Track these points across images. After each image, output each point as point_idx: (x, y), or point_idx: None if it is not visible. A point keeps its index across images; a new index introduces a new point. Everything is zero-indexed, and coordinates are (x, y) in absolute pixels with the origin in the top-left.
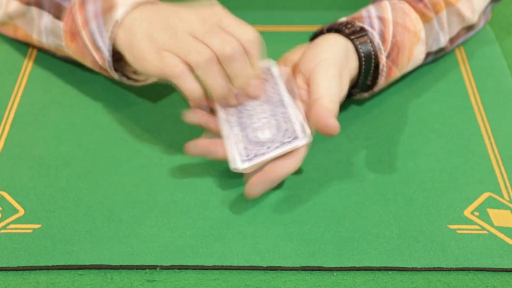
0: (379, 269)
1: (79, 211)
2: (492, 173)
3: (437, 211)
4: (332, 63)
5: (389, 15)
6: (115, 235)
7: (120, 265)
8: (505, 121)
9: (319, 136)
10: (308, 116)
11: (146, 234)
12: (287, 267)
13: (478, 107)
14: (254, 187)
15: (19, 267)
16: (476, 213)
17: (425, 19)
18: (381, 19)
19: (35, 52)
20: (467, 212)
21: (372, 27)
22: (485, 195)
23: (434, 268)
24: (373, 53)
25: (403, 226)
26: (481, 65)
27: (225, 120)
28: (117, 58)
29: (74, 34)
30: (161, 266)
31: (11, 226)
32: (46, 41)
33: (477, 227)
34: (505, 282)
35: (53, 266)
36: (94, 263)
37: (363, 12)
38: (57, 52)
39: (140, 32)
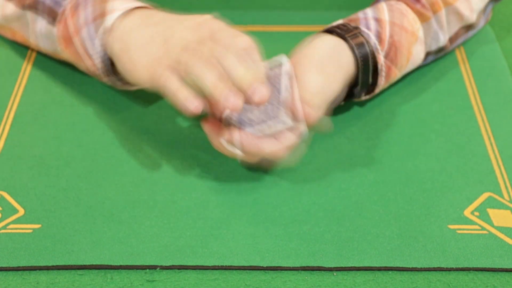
0: (379, 269)
1: (79, 211)
2: (492, 173)
3: (437, 211)
4: (312, 58)
5: (385, 16)
6: (115, 235)
7: (120, 265)
8: (505, 121)
9: (319, 136)
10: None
11: (146, 234)
12: (287, 267)
13: (478, 107)
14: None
15: (19, 267)
16: (476, 213)
17: (422, 18)
18: (378, 20)
19: (35, 52)
20: (467, 212)
21: (368, 28)
22: (485, 195)
23: (434, 268)
24: (369, 52)
25: (403, 226)
26: (481, 65)
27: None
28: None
29: (67, 40)
30: (161, 266)
31: (11, 226)
32: (43, 45)
33: (477, 227)
34: (505, 282)
35: (53, 266)
36: (94, 263)
37: (360, 14)
38: (54, 55)
39: (133, 42)
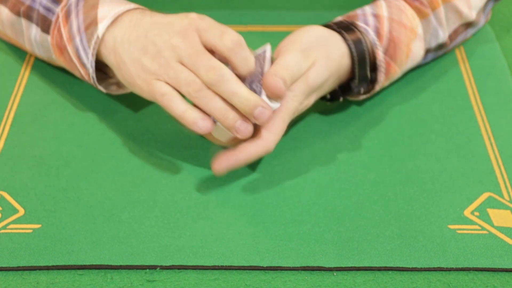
0: (379, 269)
1: (79, 211)
2: (492, 173)
3: (437, 211)
4: (299, 41)
5: (384, 12)
6: (115, 235)
7: (120, 265)
8: (505, 121)
9: (319, 136)
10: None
11: (146, 234)
12: (287, 267)
13: (478, 107)
14: (220, 164)
15: (19, 267)
16: (476, 213)
17: (421, 15)
18: (376, 16)
19: None
20: (467, 212)
21: (366, 23)
22: (485, 195)
23: (434, 268)
24: (368, 48)
25: (403, 226)
26: (481, 64)
27: None
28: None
29: (61, 48)
30: (161, 266)
31: (11, 226)
32: (38, 52)
33: (477, 227)
34: (505, 282)
35: (53, 266)
36: (94, 263)
37: (358, 11)
38: (50, 62)
39: (127, 56)
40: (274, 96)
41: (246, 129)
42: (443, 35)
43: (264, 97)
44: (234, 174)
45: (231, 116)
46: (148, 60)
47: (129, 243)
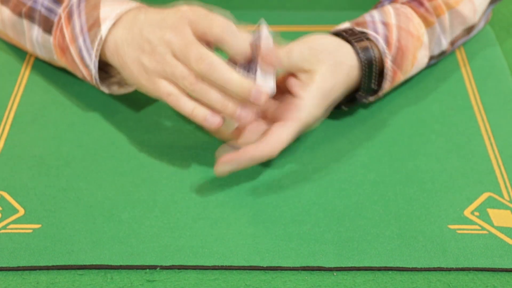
0: (379, 269)
1: (79, 211)
2: (492, 173)
3: (437, 211)
4: (306, 42)
5: (392, 20)
6: (115, 235)
7: (120, 265)
8: (505, 121)
9: (319, 137)
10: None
11: (146, 234)
12: (287, 267)
13: (478, 107)
14: (224, 165)
15: (19, 267)
16: (476, 213)
17: (427, 23)
18: (385, 24)
19: None
20: (467, 212)
21: (376, 32)
22: (485, 195)
23: (434, 268)
24: (375, 57)
25: (403, 226)
26: (481, 65)
27: None
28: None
29: (63, 49)
30: (161, 266)
31: (11, 226)
32: (40, 53)
33: (477, 227)
34: (505, 282)
35: (53, 266)
36: (94, 263)
37: (367, 17)
38: (51, 63)
39: (127, 57)
40: (267, 64)
41: (247, 115)
42: (445, 42)
43: (260, 82)
44: (234, 175)
45: (230, 105)
46: (146, 58)
47: (129, 243)
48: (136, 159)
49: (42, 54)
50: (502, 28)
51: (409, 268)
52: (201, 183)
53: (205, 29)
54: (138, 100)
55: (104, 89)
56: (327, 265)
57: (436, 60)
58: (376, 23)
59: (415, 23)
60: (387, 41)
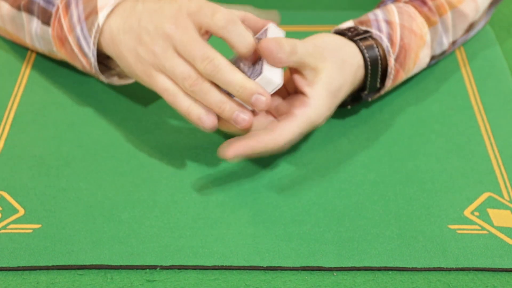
0: (379, 269)
1: (79, 211)
2: (492, 173)
3: (437, 211)
4: (311, 40)
5: (396, 19)
6: (115, 235)
7: (120, 265)
8: (505, 121)
9: (319, 136)
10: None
11: (146, 234)
12: (287, 267)
13: (478, 107)
14: (233, 149)
15: (19, 267)
16: (476, 213)
17: (430, 23)
18: (389, 23)
19: (34, 52)
20: (467, 212)
21: (380, 30)
22: (485, 195)
23: (434, 268)
24: (380, 56)
25: (403, 226)
26: (481, 65)
27: None
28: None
29: (61, 40)
30: (161, 266)
31: (11, 226)
32: (39, 46)
33: (477, 227)
34: (505, 282)
35: (53, 266)
36: (94, 263)
37: (370, 15)
38: (51, 56)
39: (123, 46)
40: (270, 59)
41: (244, 119)
42: (446, 42)
43: (266, 73)
44: (234, 174)
45: (228, 108)
46: (143, 49)
47: (129, 243)
48: (136, 159)
49: (41, 47)
50: (502, 28)
51: (409, 268)
52: (201, 183)
53: (207, 21)
54: (138, 100)
55: (104, 79)
56: (327, 265)
57: (436, 60)
58: (380, 21)
59: (418, 22)
60: (391, 40)
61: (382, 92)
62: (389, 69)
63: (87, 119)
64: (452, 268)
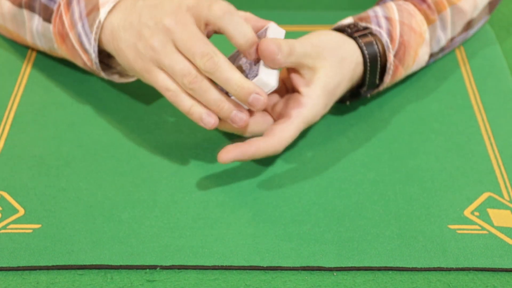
0: (379, 269)
1: (79, 211)
2: (492, 173)
3: (437, 211)
4: (309, 38)
5: (395, 15)
6: (115, 235)
7: (120, 265)
8: (505, 121)
9: (319, 136)
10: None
11: (146, 234)
12: (287, 267)
13: (478, 107)
14: (228, 153)
15: (19, 267)
16: (476, 213)
17: (429, 21)
18: (388, 19)
19: (35, 52)
20: (467, 212)
21: (379, 26)
22: (485, 195)
23: (434, 268)
24: (379, 52)
25: (403, 226)
26: (481, 64)
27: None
28: (108, 54)
29: (63, 36)
30: (161, 266)
31: (11, 226)
32: (39, 44)
33: (477, 227)
34: (505, 282)
35: (53, 266)
36: (94, 263)
37: (370, 12)
38: (51, 53)
39: (123, 42)
40: (268, 60)
41: (241, 119)
42: (444, 39)
43: (262, 76)
44: (234, 174)
45: (225, 107)
46: (143, 44)
47: (129, 243)
48: (136, 159)
49: (42, 44)
50: (502, 27)
51: (409, 268)
52: (201, 183)
53: (205, 14)
54: (138, 100)
55: (104, 76)
56: (327, 265)
57: (435, 58)
58: (379, 18)
59: (418, 20)
60: (390, 36)
61: (381, 88)
62: (388, 65)
63: (87, 119)
64: (452, 268)
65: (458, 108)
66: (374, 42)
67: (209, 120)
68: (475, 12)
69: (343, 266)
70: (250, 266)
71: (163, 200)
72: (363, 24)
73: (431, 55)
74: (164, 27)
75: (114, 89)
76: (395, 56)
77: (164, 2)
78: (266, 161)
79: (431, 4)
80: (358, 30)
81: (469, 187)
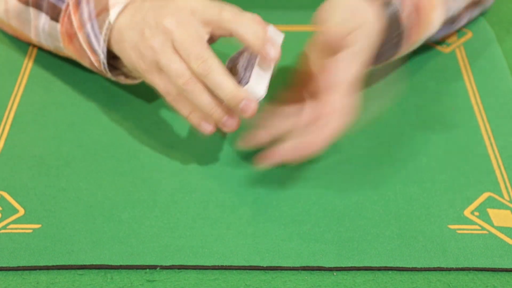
0: (379, 269)
1: (79, 211)
2: (492, 173)
3: (437, 211)
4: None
5: None
6: (115, 235)
7: (120, 265)
8: (505, 121)
9: None
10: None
11: (146, 234)
12: (287, 267)
13: (478, 107)
14: (267, 160)
15: (19, 267)
16: (476, 213)
17: None
18: None
19: (35, 51)
20: (467, 212)
21: None
22: (485, 195)
23: (434, 268)
24: (397, 15)
25: (403, 226)
26: (481, 65)
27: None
28: (114, 55)
29: (70, 36)
30: (161, 266)
31: (11, 226)
32: (45, 42)
33: (477, 227)
34: (505, 282)
35: (53, 266)
36: (94, 263)
37: None
38: (56, 52)
39: (127, 42)
40: (264, 57)
41: (232, 124)
42: (457, 6)
43: (252, 83)
44: (234, 174)
45: (217, 112)
46: (144, 45)
47: (129, 243)
48: (136, 159)
49: (47, 43)
50: (502, 28)
51: (409, 268)
52: (201, 183)
53: (216, 19)
54: (139, 100)
55: (111, 76)
56: (327, 265)
57: (445, 28)
58: None
59: None
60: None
61: (397, 56)
62: (401, 28)
63: (87, 119)
64: (452, 268)
65: (458, 108)
66: (391, 4)
67: (208, 127)
68: None
69: (343, 266)
70: (250, 266)
71: (163, 200)
72: None
73: (445, 21)
74: (164, 27)
75: (114, 89)
76: (407, 18)
77: (170, 4)
78: None
79: None
80: None
81: (469, 187)
